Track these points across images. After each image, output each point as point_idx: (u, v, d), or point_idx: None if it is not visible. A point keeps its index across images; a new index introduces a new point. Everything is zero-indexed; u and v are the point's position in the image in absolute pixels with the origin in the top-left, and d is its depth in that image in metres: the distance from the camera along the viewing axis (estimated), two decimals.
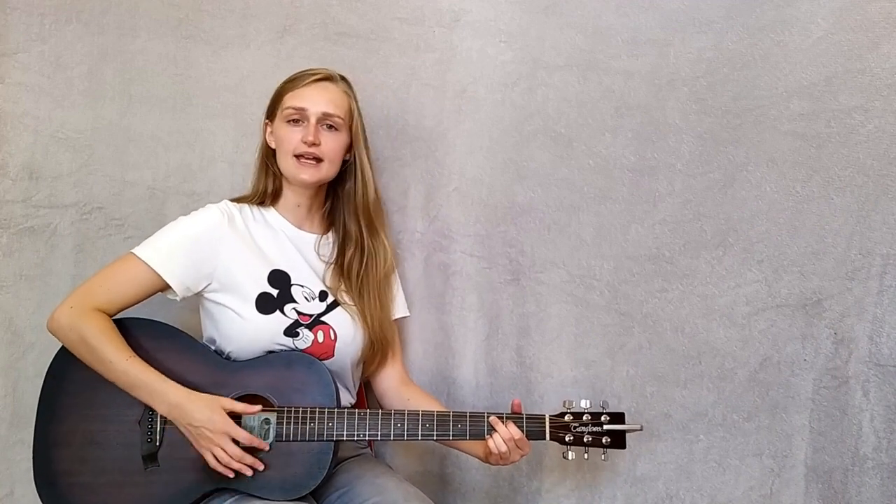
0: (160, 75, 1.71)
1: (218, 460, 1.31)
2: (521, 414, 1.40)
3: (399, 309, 1.63)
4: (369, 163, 1.55)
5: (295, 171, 1.47)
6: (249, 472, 1.32)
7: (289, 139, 1.47)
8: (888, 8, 1.58)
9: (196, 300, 1.47)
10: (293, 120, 1.47)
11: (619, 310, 1.69)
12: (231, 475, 1.32)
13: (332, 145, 1.48)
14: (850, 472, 1.61)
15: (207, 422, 1.30)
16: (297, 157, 1.46)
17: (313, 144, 1.45)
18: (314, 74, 1.50)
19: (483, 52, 1.72)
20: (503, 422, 1.38)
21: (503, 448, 1.37)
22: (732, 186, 1.66)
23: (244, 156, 1.71)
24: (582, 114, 1.70)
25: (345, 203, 1.55)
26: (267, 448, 1.33)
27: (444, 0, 1.72)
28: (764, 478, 1.66)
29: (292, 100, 1.48)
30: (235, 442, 1.31)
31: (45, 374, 1.41)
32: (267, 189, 1.53)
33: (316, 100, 1.47)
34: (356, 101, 1.54)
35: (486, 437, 1.38)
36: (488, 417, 1.38)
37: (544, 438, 1.40)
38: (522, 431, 1.39)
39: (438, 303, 1.73)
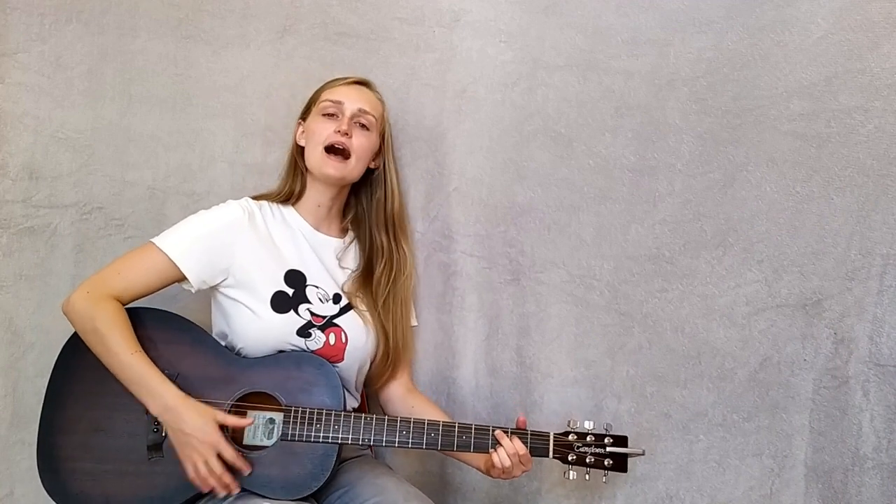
0: (160, 75, 1.71)
1: (198, 472, 1.30)
2: (525, 430, 1.40)
3: (411, 319, 1.64)
4: (397, 174, 1.59)
5: (321, 164, 1.48)
6: (223, 493, 1.31)
7: (320, 131, 1.49)
8: (888, 8, 1.58)
9: (207, 294, 1.48)
10: (328, 114, 1.50)
11: (619, 310, 1.69)
12: (205, 490, 1.31)
13: (362, 142, 1.50)
14: (850, 472, 1.61)
15: (198, 431, 1.29)
16: (327, 149, 1.47)
17: (345, 135, 1.47)
18: (353, 77, 1.57)
19: (483, 52, 1.72)
20: (508, 436, 1.38)
21: (507, 463, 1.36)
22: (732, 186, 1.66)
23: (244, 156, 1.71)
24: (582, 114, 1.70)
25: (374, 214, 1.57)
26: (248, 471, 1.32)
27: (444, 0, 1.72)
28: (764, 478, 1.66)
29: (330, 94, 1.52)
30: (221, 459, 1.30)
31: (45, 371, 1.41)
32: (294, 189, 1.54)
33: (353, 96, 1.52)
34: (387, 112, 1.58)
35: (491, 450, 1.38)
36: (493, 431, 1.38)
37: (547, 456, 1.40)
38: (526, 448, 1.38)
39: (438, 303, 1.73)
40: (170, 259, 1.39)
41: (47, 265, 1.65)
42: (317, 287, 1.48)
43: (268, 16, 1.73)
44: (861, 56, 1.60)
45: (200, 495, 1.35)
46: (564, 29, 1.70)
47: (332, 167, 1.47)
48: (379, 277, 1.53)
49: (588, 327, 1.70)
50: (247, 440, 1.37)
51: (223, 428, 1.34)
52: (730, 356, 1.66)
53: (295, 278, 1.47)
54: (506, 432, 1.38)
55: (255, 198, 1.53)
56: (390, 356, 1.52)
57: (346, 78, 1.57)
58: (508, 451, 1.36)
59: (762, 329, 1.65)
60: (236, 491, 1.31)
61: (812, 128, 1.62)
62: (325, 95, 1.52)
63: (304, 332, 1.43)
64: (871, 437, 1.60)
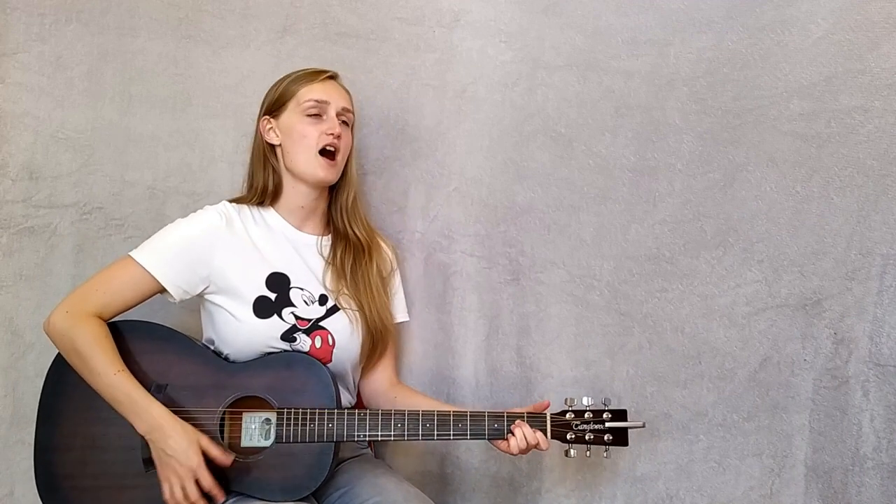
0: (160, 75, 1.71)
1: (172, 495, 1.28)
2: (521, 413, 1.39)
3: (399, 312, 1.62)
4: (355, 162, 1.58)
5: (315, 169, 1.46)
6: None
7: (309, 133, 1.46)
8: (888, 8, 1.58)
9: (196, 301, 1.47)
10: (313, 114, 1.47)
11: (619, 310, 1.69)
12: None
13: (346, 140, 1.50)
14: (850, 472, 1.61)
15: (181, 454, 1.28)
16: (321, 152, 1.45)
17: (338, 137, 1.46)
18: (325, 72, 1.52)
19: (483, 52, 1.72)
20: (531, 430, 1.37)
21: (524, 450, 1.37)
22: (732, 186, 1.66)
23: (244, 156, 1.70)
24: (582, 114, 1.70)
25: (335, 201, 1.56)
26: (222, 500, 1.31)
27: (444, 0, 1.72)
28: (764, 478, 1.66)
29: (311, 93, 1.47)
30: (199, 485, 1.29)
31: (45, 371, 1.40)
32: (267, 187, 1.50)
33: (334, 95, 1.50)
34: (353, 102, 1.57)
35: (508, 435, 1.37)
36: (508, 423, 1.37)
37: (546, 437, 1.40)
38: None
39: (438, 303, 1.73)
40: (147, 272, 1.38)
41: (47, 265, 1.65)
42: (301, 289, 1.46)
43: (268, 16, 1.73)
44: (861, 56, 1.60)
45: None
46: (564, 29, 1.70)
47: (324, 171, 1.46)
48: (343, 260, 1.51)
49: (588, 327, 1.70)
50: (244, 442, 1.37)
51: (222, 431, 1.34)
52: (730, 356, 1.66)
53: (278, 282, 1.45)
54: (521, 418, 1.38)
55: (234, 201, 1.51)
56: (373, 334, 1.49)
57: (319, 73, 1.51)
58: (531, 441, 1.36)
59: (762, 329, 1.65)
60: None
61: (812, 128, 1.62)
62: (306, 94, 1.47)
63: (288, 336, 1.42)
64: (871, 437, 1.60)
